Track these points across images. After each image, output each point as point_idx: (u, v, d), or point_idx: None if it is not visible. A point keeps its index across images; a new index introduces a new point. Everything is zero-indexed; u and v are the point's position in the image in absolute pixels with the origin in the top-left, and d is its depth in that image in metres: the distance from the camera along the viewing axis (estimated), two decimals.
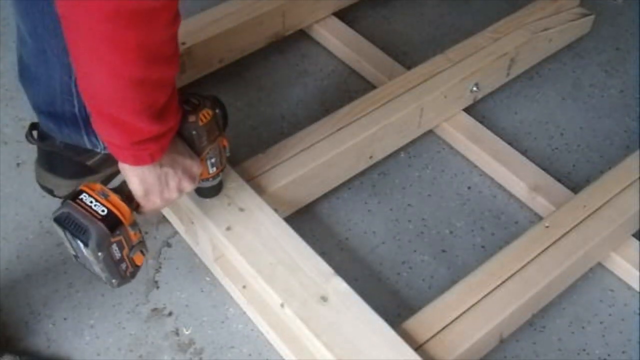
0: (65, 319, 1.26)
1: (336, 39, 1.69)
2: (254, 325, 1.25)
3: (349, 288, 1.12)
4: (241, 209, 1.21)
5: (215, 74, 1.60)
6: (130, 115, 0.88)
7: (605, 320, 1.27)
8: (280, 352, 1.21)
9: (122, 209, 0.99)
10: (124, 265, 1.03)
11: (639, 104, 1.64)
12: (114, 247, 0.99)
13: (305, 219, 1.38)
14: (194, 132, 1.04)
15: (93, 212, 0.97)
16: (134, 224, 1.01)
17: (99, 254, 0.98)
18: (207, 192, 1.19)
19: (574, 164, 1.51)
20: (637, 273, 1.29)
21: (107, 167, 1.22)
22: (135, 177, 0.98)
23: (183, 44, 1.51)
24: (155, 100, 0.89)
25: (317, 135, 1.36)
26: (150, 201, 1.02)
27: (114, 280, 1.04)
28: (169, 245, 1.36)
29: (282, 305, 1.10)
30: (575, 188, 1.42)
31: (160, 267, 1.33)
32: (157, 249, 1.35)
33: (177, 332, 1.24)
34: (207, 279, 1.31)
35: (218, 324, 1.26)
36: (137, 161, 0.96)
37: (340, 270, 1.15)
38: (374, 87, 1.60)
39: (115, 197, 0.99)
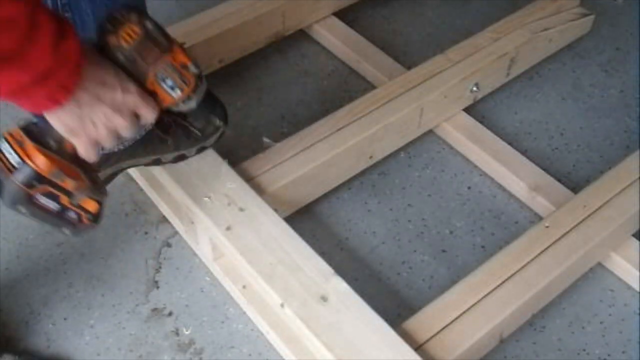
0: (65, 319, 1.26)
1: (336, 39, 1.69)
2: (254, 325, 1.25)
3: (349, 288, 1.12)
4: (241, 209, 1.21)
5: (215, 74, 1.60)
6: None
7: (605, 320, 1.27)
8: (280, 352, 1.21)
9: (36, 159, 0.89)
10: (71, 214, 0.95)
11: (639, 104, 1.64)
12: (42, 198, 0.91)
13: (305, 219, 1.38)
14: (121, 58, 0.89)
15: (8, 164, 0.89)
16: (57, 172, 0.91)
17: (20, 208, 0.90)
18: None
19: (574, 164, 1.51)
20: (637, 273, 1.29)
21: (106, 166, 1.22)
22: (52, 119, 0.88)
23: (183, 44, 1.50)
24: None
25: (317, 135, 1.36)
26: (78, 141, 0.92)
27: (65, 230, 0.96)
28: (169, 245, 1.36)
29: (282, 305, 1.10)
30: (575, 188, 1.42)
31: (160, 267, 1.33)
32: (157, 249, 1.35)
33: (177, 332, 1.24)
34: (207, 279, 1.31)
35: (218, 324, 1.26)
36: (39, 107, 0.84)
37: (340, 270, 1.15)
38: (374, 87, 1.60)
39: (30, 145, 0.89)
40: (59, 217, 0.96)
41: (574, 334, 1.26)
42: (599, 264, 1.34)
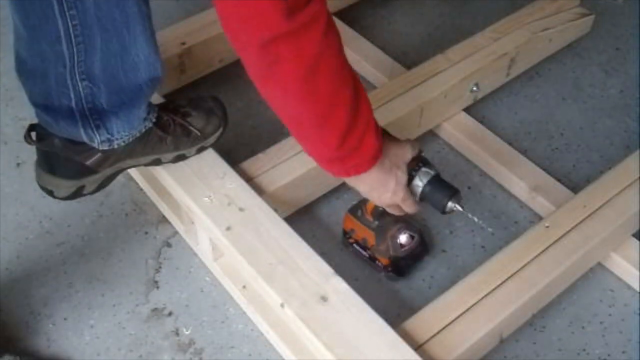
0: (65, 319, 1.26)
1: None
2: (254, 325, 1.25)
3: (349, 288, 1.12)
4: (241, 209, 1.21)
5: (215, 74, 1.60)
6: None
7: (605, 320, 1.27)
8: (280, 352, 1.21)
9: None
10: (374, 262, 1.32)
11: (639, 104, 1.64)
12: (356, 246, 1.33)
13: (305, 219, 1.38)
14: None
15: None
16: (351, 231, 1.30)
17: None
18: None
19: (574, 164, 1.51)
20: (637, 273, 1.29)
21: (106, 166, 1.22)
22: (350, 182, 1.10)
23: (183, 44, 1.51)
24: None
25: None
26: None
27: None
28: (169, 245, 1.36)
29: (282, 305, 1.10)
30: (575, 188, 1.42)
31: (160, 267, 1.33)
32: (157, 249, 1.35)
33: (177, 332, 1.24)
34: (207, 279, 1.31)
35: (218, 324, 1.26)
36: (347, 173, 1.07)
37: (340, 270, 1.15)
38: (374, 87, 1.60)
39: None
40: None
41: (574, 334, 1.26)
42: (599, 264, 1.34)
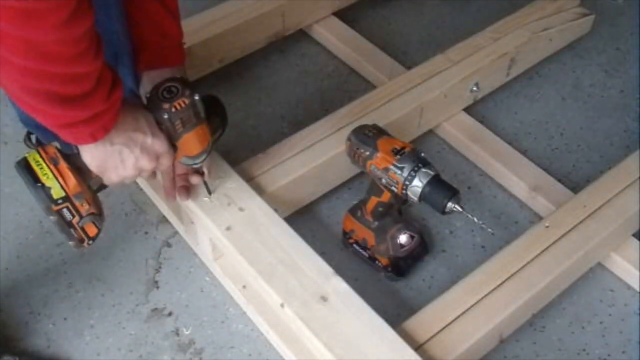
0: (65, 319, 1.26)
1: (336, 39, 1.70)
2: (254, 325, 1.25)
3: (349, 288, 1.12)
4: (241, 209, 1.21)
5: (215, 74, 1.60)
6: (41, 104, 0.87)
7: (605, 320, 1.27)
8: (280, 352, 1.21)
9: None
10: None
11: (639, 104, 1.64)
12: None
13: (305, 219, 1.38)
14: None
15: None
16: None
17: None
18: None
19: (574, 164, 1.51)
20: (637, 273, 1.29)
21: None
22: (85, 153, 0.98)
23: (183, 44, 1.50)
24: (67, 92, 0.87)
25: (317, 135, 1.36)
26: (106, 176, 1.02)
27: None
28: (169, 245, 1.36)
29: (282, 305, 1.10)
30: (575, 188, 1.42)
31: (160, 267, 1.33)
32: (157, 249, 1.35)
33: (177, 332, 1.24)
34: (207, 279, 1.31)
35: (218, 324, 1.26)
36: (78, 140, 0.95)
37: (340, 270, 1.15)
38: (374, 87, 1.60)
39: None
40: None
41: (574, 334, 1.26)
42: (599, 264, 1.34)
